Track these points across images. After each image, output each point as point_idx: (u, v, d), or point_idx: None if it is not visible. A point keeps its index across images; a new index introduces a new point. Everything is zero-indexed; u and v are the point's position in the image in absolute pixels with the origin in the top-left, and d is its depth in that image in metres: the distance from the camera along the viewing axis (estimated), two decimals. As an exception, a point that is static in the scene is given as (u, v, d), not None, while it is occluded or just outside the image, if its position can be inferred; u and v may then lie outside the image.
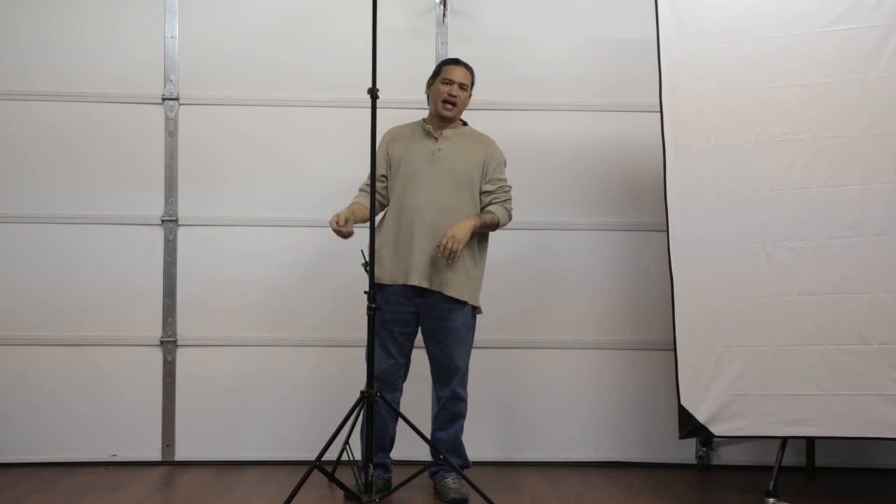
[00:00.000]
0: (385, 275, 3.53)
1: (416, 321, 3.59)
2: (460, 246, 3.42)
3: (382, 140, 3.66)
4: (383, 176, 3.63)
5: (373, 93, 3.33)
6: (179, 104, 4.15)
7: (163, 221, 4.13)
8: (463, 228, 3.45)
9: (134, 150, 4.14)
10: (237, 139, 4.16)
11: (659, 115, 3.56)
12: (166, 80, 4.14)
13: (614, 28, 4.20)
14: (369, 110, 3.34)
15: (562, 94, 4.20)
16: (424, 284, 3.50)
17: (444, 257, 3.42)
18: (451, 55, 4.11)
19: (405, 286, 3.52)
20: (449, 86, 3.59)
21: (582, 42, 4.22)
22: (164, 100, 4.14)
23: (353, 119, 4.00)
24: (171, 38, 4.14)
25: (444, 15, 4.15)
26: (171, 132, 4.14)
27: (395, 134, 3.68)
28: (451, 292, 3.51)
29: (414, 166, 3.56)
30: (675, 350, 3.48)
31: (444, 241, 3.41)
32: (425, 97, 3.71)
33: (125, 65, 4.14)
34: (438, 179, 3.53)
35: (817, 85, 3.38)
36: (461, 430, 3.67)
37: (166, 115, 4.14)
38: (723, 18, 3.49)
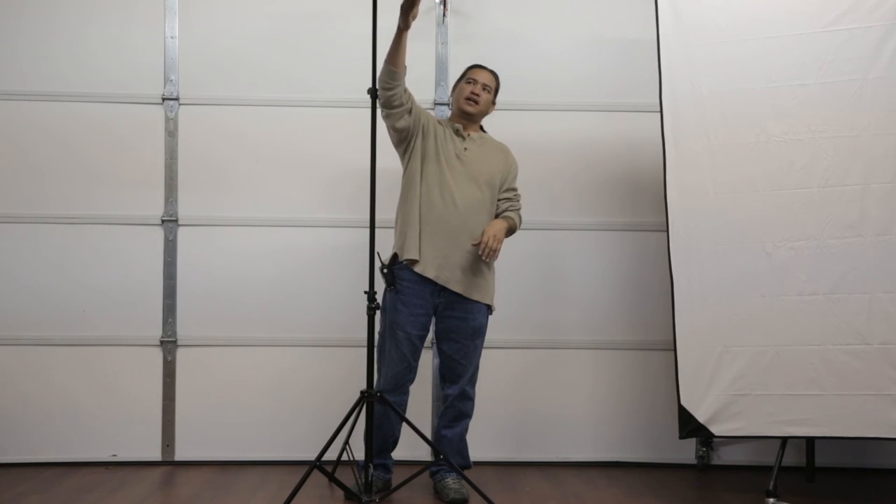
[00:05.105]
0: (420, 264, 3.49)
1: (430, 323, 3.60)
2: (501, 245, 3.47)
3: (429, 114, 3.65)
4: (409, 112, 3.50)
5: (373, 93, 3.35)
6: (179, 104, 4.15)
7: (163, 221, 4.13)
8: (501, 229, 3.51)
9: (134, 150, 4.14)
10: (237, 139, 4.16)
11: (659, 115, 3.57)
12: (166, 80, 4.14)
13: (614, 28, 4.20)
14: (369, 110, 3.34)
15: (561, 94, 4.21)
16: (459, 290, 3.51)
17: (485, 257, 3.44)
18: (451, 55, 4.13)
19: (427, 285, 3.51)
20: (473, 85, 3.63)
21: (582, 42, 4.23)
22: (164, 100, 4.14)
23: (353, 119, 3.99)
24: (171, 38, 4.14)
25: (444, 15, 4.16)
26: (171, 132, 4.14)
27: (437, 120, 3.66)
28: (476, 296, 3.55)
29: (445, 158, 3.54)
30: (675, 350, 3.48)
31: (487, 240, 3.43)
32: (446, 99, 3.78)
33: (125, 65, 4.14)
34: (465, 178, 3.54)
35: (817, 85, 3.38)
36: (466, 429, 3.68)
37: (166, 115, 4.14)
38: (723, 18, 3.49)
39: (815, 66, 3.38)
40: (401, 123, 3.51)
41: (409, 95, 3.51)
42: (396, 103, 3.46)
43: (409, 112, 3.51)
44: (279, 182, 4.16)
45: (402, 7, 3.34)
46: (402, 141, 3.57)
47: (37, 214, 4.11)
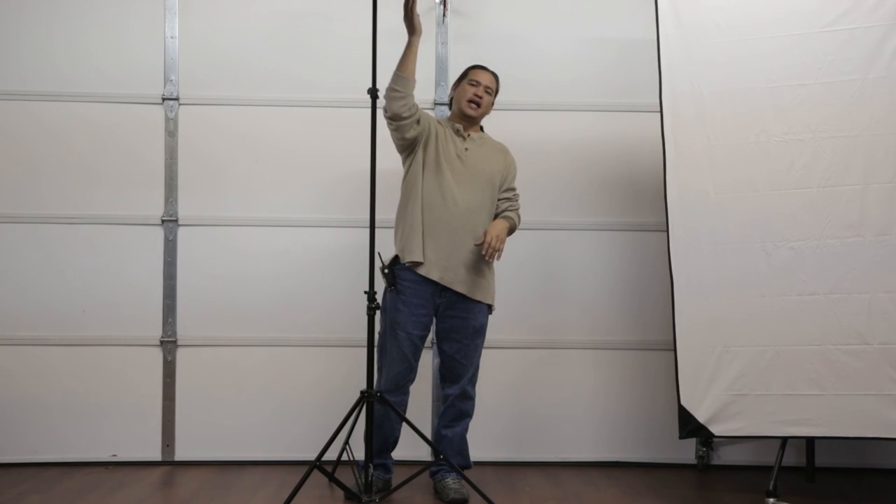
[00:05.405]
0: (425, 267, 3.48)
1: (431, 323, 3.61)
2: (504, 245, 3.49)
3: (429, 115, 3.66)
4: (417, 122, 3.50)
5: (373, 93, 3.35)
6: (179, 104, 4.15)
7: (163, 221, 4.13)
8: (504, 229, 3.53)
9: (134, 150, 4.14)
10: (237, 139, 4.16)
11: (659, 115, 3.56)
12: (166, 80, 4.14)
13: (614, 28, 4.21)
14: (369, 110, 3.34)
15: (561, 94, 4.21)
16: (463, 290, 3.51)
17: (488, 257, 3.45)
18: (452, 55, 4.13)
19: (428, 286, 3.50)
20: (476, 87, 3.63)
21: (582, 42, 4.23)
22: (164, 100, 4.14)
23: (353, 119, 3.99)
24: (171, 38, 4.14)
25: (444, 15, 4.16)
26: (171, 132, 4.14)
27: (437, 120, 3.68)
28: (479, 296, 3.55)
29: (446, 159, 3.55)
30: (675, 350, 3.48)
31: (489, 240, 3.44)
32: (446, 99, 3.83)
33: (125, 65, 4.14)
34: (466, 179, 3.54)
35: (817, 85, 3.38)
36: (466, 429, 3.68)
37: (166, 115, 4.15)
38: (722, 18, 3.49)
39: (815, 66, 3.37)
40: (410, 134, 3.51)
41: (416, 104, 3.52)
42: (406, 115, 3.46)
43: (418, 122, 3.51)
44: (279, 182, 4.16)
45: (405, 15, 3.39)
46: (407, 148, 3.57)
47: (37, 214, 4.11)
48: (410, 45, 3.45)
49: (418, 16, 3.44)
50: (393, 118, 3.47)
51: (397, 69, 3.44)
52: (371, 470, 3.31)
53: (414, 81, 3.47)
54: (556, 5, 4.23)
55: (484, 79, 3.66)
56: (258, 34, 4.17)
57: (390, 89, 3.44)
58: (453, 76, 3.92)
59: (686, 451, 4.14)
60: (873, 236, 3.30)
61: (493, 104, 3.72)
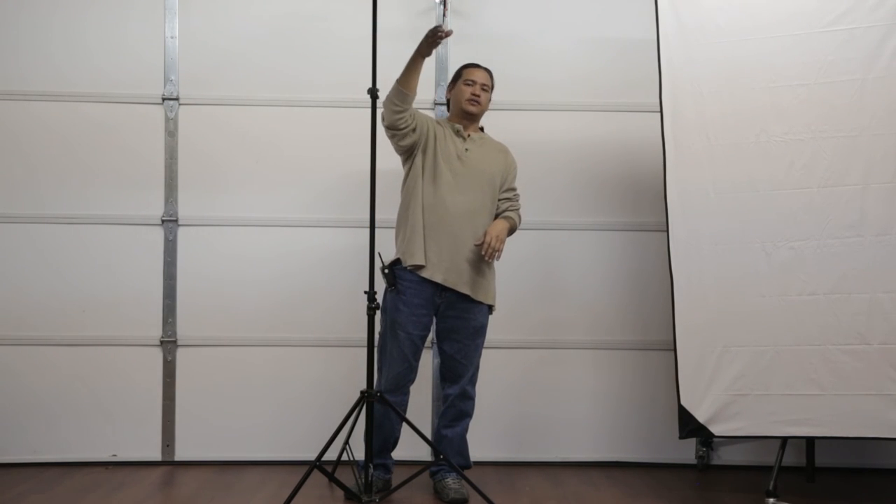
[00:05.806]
0: (427, 269, 3.49)
1: (431, 323, 3.61)
2: (503, 245, 3.49)
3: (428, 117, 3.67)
4: (413, 130, 3.51)
5: (373, 93, 3.35)
6: (179, 104, 4.15)
7: (163, 221, 4.13)
8: (504, 229, 3.54)
9: (134, 150, 4.14)
10: (237, 139, 4.16)
11: (659, 115, 3.56)
12: (166, 80, 4.14)
13: (614, 28, 4.21)
14: (369, 110, 3.35)
15: (561, 93, 4.21)
16: (466, 291, 3.51)
17: (488, 257, 3.45)
18: (451, 55, 4.13)
19: (428, 286, 3.51)
20: (472, 86, 3.63)
21: (582, 42, 4.23)
22: (164, 100, 4.14)
23: (353, 119, 3.99)
24: (171, 38, 4.14)
25: (444, 15, 4.15)
26: (171, 132, 4.14)
27: (436, 121, 3.68)
28: (481, 296, 3.56)
29: (445, 160, 3.55)
30: (675, 350, 3.48)
31: (489, 241, 3.45)
32: (445, 101, 3.82)
33: (125, 65, 4.14)
34: (466, 180, 3.55)
35: (817, 85, 3.38)
36: (466, 429, 3.68)
37: (166, 115, 4.15)
38: (723, 18, 3.49)
39: (815, 66, 3.38)
40: (405, 142, 3.52)
41: (413, 113, 3.52)
42: (402, 126, 3.47)
43: (414, 130, 3.52)
44: (279, 182, 4.16)
45: (427, 37, 3.38)
46: (406, 152, 3.58)
47: (37, 215, 4.11)
48: (416, 64, 3.44)
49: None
50: (389, 127, 3.49)
51: (400, 84, 3.44)
52: (371, 470, 3.31)
53: (414, 95, 3.48)
54: (556, 5, 4.23)
55: (479, 77, 3.66)
56: (258, 34, 4.17)
57: (390, 102, 3.45)
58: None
59: (686, 451, 4.14)
60: (873, 236, 3.30)
61: (490, 100, 3.72)
